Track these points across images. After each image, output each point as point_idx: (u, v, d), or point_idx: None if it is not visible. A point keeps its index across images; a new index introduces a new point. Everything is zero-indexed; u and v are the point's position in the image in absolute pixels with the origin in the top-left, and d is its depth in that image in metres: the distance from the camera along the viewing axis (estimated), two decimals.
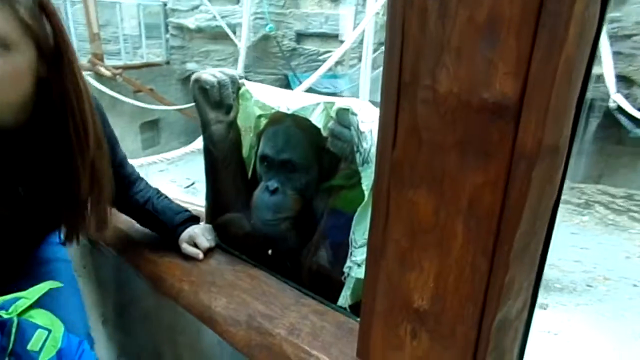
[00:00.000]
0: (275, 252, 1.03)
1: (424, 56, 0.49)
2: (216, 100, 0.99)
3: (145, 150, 7.66)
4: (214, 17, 7.69)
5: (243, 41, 7.09)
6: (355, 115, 0.75)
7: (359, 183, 0.79)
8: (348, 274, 0.84)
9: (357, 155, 0.76)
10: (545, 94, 0.43)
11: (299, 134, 0.93)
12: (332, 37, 7.61)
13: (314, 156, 0.95)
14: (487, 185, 0.49)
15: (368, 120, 0.75)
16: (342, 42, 6.86)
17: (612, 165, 6.72)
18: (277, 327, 0.81)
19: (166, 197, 1.10)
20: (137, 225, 1.16)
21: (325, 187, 0.95)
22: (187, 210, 1.07)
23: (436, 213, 0.53)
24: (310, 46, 7.75)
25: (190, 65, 8.43)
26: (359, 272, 0.81)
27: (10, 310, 0.78)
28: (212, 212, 1.09)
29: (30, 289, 0.84)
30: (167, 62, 8.57)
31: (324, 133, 0.83)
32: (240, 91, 1.02)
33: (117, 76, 7.07)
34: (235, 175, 1.06)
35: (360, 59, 6.35)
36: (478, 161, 0.48)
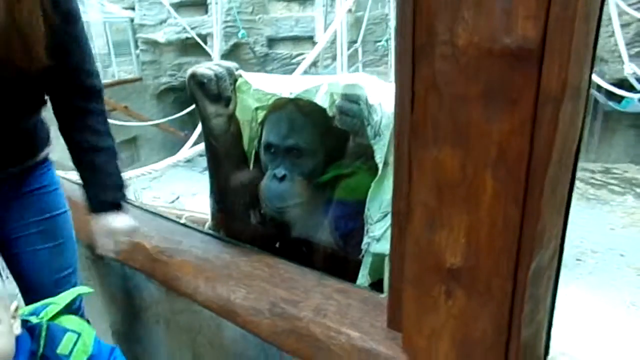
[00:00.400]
0: (288, 239, 1.03)
1: (440, 14, 0.50)
2: (214, 94, 0.98)
3: (125, 170, 7.53)
4: (183, 29, 7.63)
5: (216, 51, 7.05)
6: (363, 89, 0.76)
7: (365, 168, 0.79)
8: (366, 251, 0.84)
9: (369, 128, 0.76)
10: (567, 35, 0.44)
11: (302, 118, 0.93)
12: (305, 40, 7.64)
13: (319, 139, 0.95)
14: (514, 132, 0.49)
15: (376, 93, 0.76)
16: (315, 43, 6.90)
17: (588, 140, 6.89)
18: (303, 310, 0.80)
19: (113, 158, 1.03)
20: (141, 230, 1.14)
21: (335, 173, 0.94)
22: (121, 189, 1.03)
23: (463, 168, 0.54)
24: (282, 50, 7.77)
25: (164, 79, 8.35)
26: (378, 247, 0.81)
27: (41, 316, 0.78)
28: (218, 206, 1.07)
29: (60, 295, 0.84)
30: (140, 78, 8.46)
31: (330, 113, 0.84)
32: (237, 83, 1.01)
33: None
34: (238, 167, 1.05)
35: (334, 59, 6.39)
36: (504, 109, 0.49)
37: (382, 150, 0.75)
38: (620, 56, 5.31)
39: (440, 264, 0.59)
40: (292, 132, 0.95)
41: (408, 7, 0.53)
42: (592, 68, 0.51)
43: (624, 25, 5.41)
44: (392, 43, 6.79)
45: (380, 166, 0.76)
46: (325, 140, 0.95)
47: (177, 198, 6.74)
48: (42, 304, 0.83)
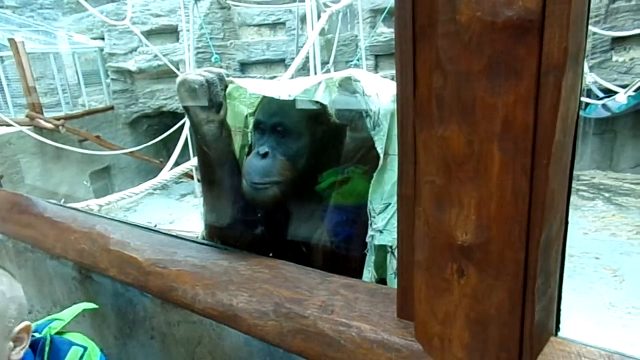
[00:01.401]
0: (287, 240, 1.02)
1: None
2: (205, 100, 0.98)
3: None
4: (155, 56, 7.62)
5: None
6: (359, 81, 0.77)
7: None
8: (371, 245, 0.84)
9: (368, 120, 0.77)
10: (565, 4, 0.47)
11: (292, 102, 0.95)
12: (277, 62, 7.73)
13: (306, 123, 0.96)
14: (519, 103, 0.51)
15: (372, 85, 0.77)
16: (287, 66, 6.98)
17: None
18: (308, 308, 0.79)
19: None
20: (132, 244, 1.11)
21: (332, 180, 0.95)
22: None
23: (470, 143, 0.55)
24: (255, 73, 7.84)
25: (136, 108, 8.28)
26: (382, 239, 0.81)
27: (43, 333, 0.74)
28: (212, 215, 1.06)
29: (65, 311, 0.80)
30: (111, 107, 8.36)
31: (331, 109, 0.84)
32: (228, 89, 1.02)
33: (60, 127, 6.82)
34: (231, 173, 1.04)
35: None
36: (508, 81, 0.51)
37: (382, 141, 0.75)
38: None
39: (451, 242, 0.60)
40: (279, 111, 0.97)
41: None
42: (586, 37, 0.53)
43: None
44: (363, 62, 6.94)
45: (381, 156, 0.77)
46: (313, 126, 0.96)
47: (155, 226, 6.60)
48: (45, 321, 0.79)
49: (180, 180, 6.65)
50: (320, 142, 0.96)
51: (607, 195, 6.60)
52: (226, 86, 1.02)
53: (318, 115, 0.93)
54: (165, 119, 8.21)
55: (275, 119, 0.97)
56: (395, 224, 0.71)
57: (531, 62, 0.49)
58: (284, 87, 0.90)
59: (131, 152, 7.38)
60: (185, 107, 1.00)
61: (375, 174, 0.80)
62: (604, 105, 5.63)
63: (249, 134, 1.09)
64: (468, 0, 0.50)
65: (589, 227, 5.82)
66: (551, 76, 0.49)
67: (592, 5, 5.82)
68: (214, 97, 0.98)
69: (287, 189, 0.96)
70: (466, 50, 0.52)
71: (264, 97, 1.00)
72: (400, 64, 0.60)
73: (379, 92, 0.76)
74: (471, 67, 0.52)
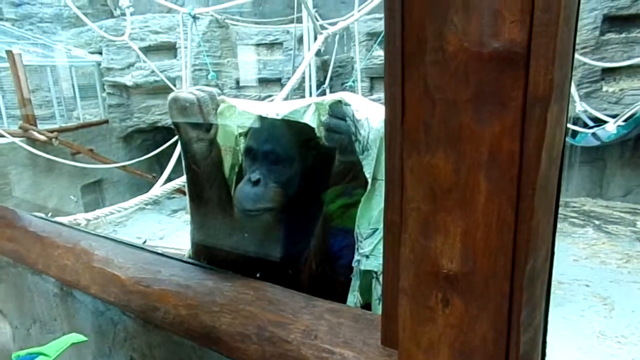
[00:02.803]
0: (273, 262, 1.00)
1: (430, 20, 0.52)
2: (196, 118, 0.98)
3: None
4: (152, 72, 7.65)
5: None
6: (349, 105, 0.77)
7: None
8: (357, 270, 0.83)
9: (357, 144, 0.77)
10: (551, 37, 0.47)
11: (283, 128, 0.96)
12: (273, 82, 7.80)
13: (298, 150, 0.97)
14: (505, 133, 0.51)
15: (362, 109, 0.77)
16: (283, 85, 7.04)
17: None
18: (292, 333, 0.77)
19: None
20: (116, 261, 1.09)
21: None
22: None
23: (456, 171, 0.55)
24: (251, 92, 7.88)
25: (131, 122, 8.28)
26: (368, 264, 0.81)
27: None
28: (199, 233, 1.05)
29: (51, 343, 0.75)
30: (106, 121, 8.35)
31: (319, 132, 0.85)
32: (220, 108, 1.02)
33: (53, 139, 6.78)
34: (220, 193, 1.04)
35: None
36: (494, 111, 0.51)
37: (370, 165, 0.75)
38: (572, 96, 5.68)
39: (436, 270, 0.59)
40: (271, 138, 0.98)
41: (397, 17, 0.55)
42: (572, 70, 0.54)
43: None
44: (359, 84, 7.02)
45: (369, 180, 0.77)
46: (304, 153, 0.96)
47: (144, 242, 6.52)
48: (26, 353, 0.73)
49: (172, 195, 6.62)
50: (311, 167, 0.97)
51: (597, 222, 6.64)
52: (218, 105, 1.02)
53: (309, 140, 0.93)
54: (159, 134, 8.20)
55: (266, 146, 0.98)
56: (382, 250, 0.70)
57: (517, 93, 0.50)
58: (273, 107, 0.91)
59: (124, 166, 7.36)
60: (175, 125, 1.00)
61: (363, 199, 0.79)
62: (593, 134, 5.71)
63: (239, 153, 1.09)
64: (456, 29, 0.50)
65: (579, 254, 5.84)
66: (537, 107, 0.49)
67: (582, 36, 5.97)
68: (205, 115, 0.98)
69: (279, 215, 0.96)
70: (453, 79, 0.52)
71: (255, 122, 1.01)
72: (389, 90, 0.60)
73: (369, 117, 0.77)
74: (458, 96, 0.52)
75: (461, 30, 0.50)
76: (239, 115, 1.00)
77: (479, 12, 0.49)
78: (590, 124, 5.86)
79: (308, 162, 0.97)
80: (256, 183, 0.96)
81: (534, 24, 0.47)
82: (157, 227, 7.40)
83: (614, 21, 6.33)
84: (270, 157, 0.98)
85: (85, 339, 0.81)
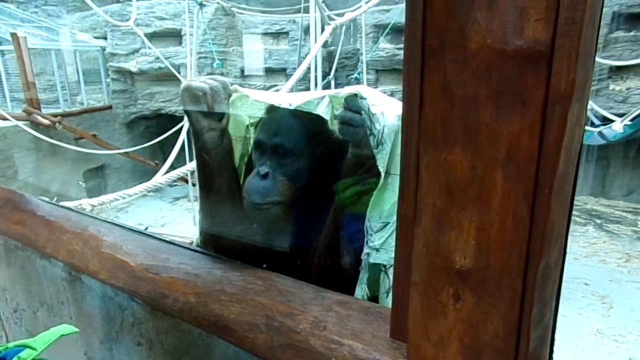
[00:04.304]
0: (282, 252, 1.01)
1: (453, 17, 0.52)
2: (208, 107, 0.98)
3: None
4: (157, 59, 7.63)
5: None
6: (365, 99, 0.77)
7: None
8: (366, 263, 0.83)
9: (371, 138, 0.77)
10: (575, 37, 0.47)
11: (293, 121, 0.96)
12: (278, 72, 7.77)
13: (307, 143, 0.97)
14: (524, 131, 0.51)
15: (378, 103, 0.77)
16: (288, 75, 7.02)
17: None
18: (301, 324, 0.78)
19: None
20: (125, 248, 1.10)
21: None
22: None
23: (473, 168, 0.55)
24: (256, 82, 7.86)
25: (135, 108, 8.27)
26: (378, 257, 0.81)
27: None
28: (208, 222, 1.05)
29: (39, 336, 0.73)
30: (110, 107, 8.34)
31: (331, 125, 0.85)
32: (232, 98, 1.02)
33: (57, 124, 6.79)
34: (230, 182, 1.04)
35: (307, 91, 6.50)
36: (514, 109, 0.51)
37: (384, 160, 0.76)
38: None
39: (449, 265, 0.60)
40: (280, 131, 0.98)
41: (418, 11, 0.55)
42: (593, 69, 0.54)
43: None
44: (364, 77, 6.99)
45: (382, 174, 0.77)
46: (314, 146, 0.96)
47: (146, 228, 6.55)
48: (14, 345, 0.71)
49: (175, 183, 6.63)
50: (320, 160, 0.97)
51: (598, 221, 6.65)
52: (230, 95, 1.02)
53: (319, 133, 0.93)
54: (163, 121, 8.20)
55: (275, 139, 0.98)
56: (392, 244, 0.70)
57: (538, 92, 0.49)
58: (287, 97, 0.91)
59: (127, 153, 7.36)
60: (187, 113, 1.00)
61: (375, 193, 0.80)
62: (600, 133, 5.69)
63: (249, 143, 1.09)
64: (479, 27, 0.50)
65: (579, 253, 5.85)
66: (558, 107, 0.49)
67: None
68: (217, 105, 0.98)
69: (288, 208, 0.97)
70: (474, 76, 0.52)
71: (265, 115, 1.01)
72: (408, 84, 0.60)
73: (385, 111, 0.77)
74: (478, 93, 0.52)
75: (484, 28, 0.50)
76: (251, 105, 0.99)
77: (504, 9, 0.48)
78: (597, 122, 5.83)
79: (318, 155, 0.97)
80: (265, 176, 0.97)
81: (559, 22, 0.47)
82: (159, 214, 7.42)
83: (623, 19, 6.27)
84: (280, 150, 0.98)
85: (76, 330, 0.79)
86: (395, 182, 0.77)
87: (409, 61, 0.59)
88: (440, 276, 0.61)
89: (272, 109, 1.00)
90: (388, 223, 0.80)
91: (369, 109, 0.77)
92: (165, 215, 7.37)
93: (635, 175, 6.97)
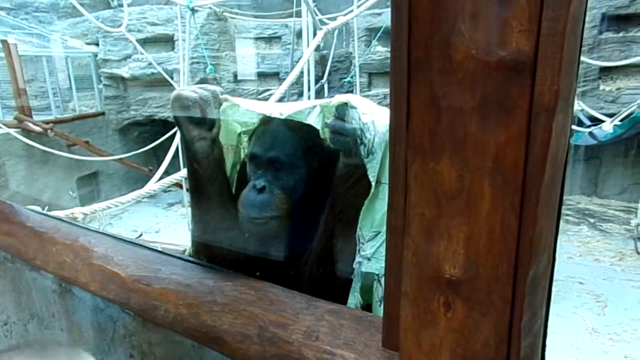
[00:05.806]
0: (273, 262, 1.01)
1: (438, 28, 0.52)
2: (198, 116, 0.98)
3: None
4: (149, 64, 7.61)
5: (182, 86, 7.04)
6: (355, 108, 0.77)
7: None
8: (358, 272, 0.83)
9: (362, 147, 0.77)
10: (557, 47, 0.47)
11: (288, 134, 0.95)
12: (271, 76, 7.77)
13: (302, 155, 0.96)
14: (510, 142, 0.51)
15: (369, 112, 0.77)
16: (281, 79, 7.02)
17: None
18: (293, 334, 0.78)
19: None
20: (116, 259, 1.09)
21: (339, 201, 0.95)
22: None
23: (461, 178, 0.55)
24: (249, 86, 7.86)
25: (128, 114, 8.24)
26: (370, 266, 0.81)
27: None
28: (200, 231, 1.05)
29: None
30: (102, 113, 8.30)
31: (323, 134, 0.85)
32: (222, 107, 1.01)
33: (49, 131, 6.75)
34: (221, 191, 1.04)
35: (300, 94, 6.51)
36: (500, 119, 0.51)
37: (374, 169, 0.76)
38: None
39: (439, 275, 0.60)
40: (275, 145, 0.97)
41: (403, 23, 0.55)
42: (577, 78, 0.54)
43: None
44: (357, 80, 7.00)
45: (373, 183, 0.77)
46: (309, 158, 0.96)
47: (140, 235, 6.51)
48: None
49: (169, 189, 6.61)
50: (315, 171, 0.96)
51: (592, 220, 6.69)
52: (220, 104, 1.02)
53: (314, 146, 0.93)
54: (156, 127, 8.17)
55: (271, 153, 0.98)
56: (384, 253, 0.70)
57: (523, 103, 0.50)
58: (278, 107, 0.91)
59: (120, 159, 7.33)
60: (177, 122, 1.00)
61: (366, 202, 0.80)
62: (590, 133, 5.73)
63: (242, 151, 1.09)
64: (463, 38, 0.51)
65: (573, 252, 5.88)
66: (542, 117, 0.50)
67: None
68: (207, 114, 0.98)
69: (284, 221, 0.96)
70: (460, 87, 0.52)
71: (259, 126, 1.01)
72: (395, 95, 0.60)
73: (375, 120, 0.77)
74: (464, 104, 0.53)
75: (469, 39, 0.50)
76: (242, 115, 0.99)
77: (487, 20, 0.49)
78: (587, 122, 5.88)
79: (312, 167, 0.97)
80: (261, 190, 0.96)
81: (541, 33, 0.47)
82: (153, 220, 7.39)
83: (612, 20, 6.34)
84: (275, 164, 0.98)
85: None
86: (386, 192, 0.77)
87: (395, 72, 0.59)
88: (431, 286, 0.61)
89: (266, 120, 1.00)
90: (379, 232, 0.80)
91: (359, 118, 0.77)
92: (160, 221, 7.34)
93: (627, 174, 7.03)
